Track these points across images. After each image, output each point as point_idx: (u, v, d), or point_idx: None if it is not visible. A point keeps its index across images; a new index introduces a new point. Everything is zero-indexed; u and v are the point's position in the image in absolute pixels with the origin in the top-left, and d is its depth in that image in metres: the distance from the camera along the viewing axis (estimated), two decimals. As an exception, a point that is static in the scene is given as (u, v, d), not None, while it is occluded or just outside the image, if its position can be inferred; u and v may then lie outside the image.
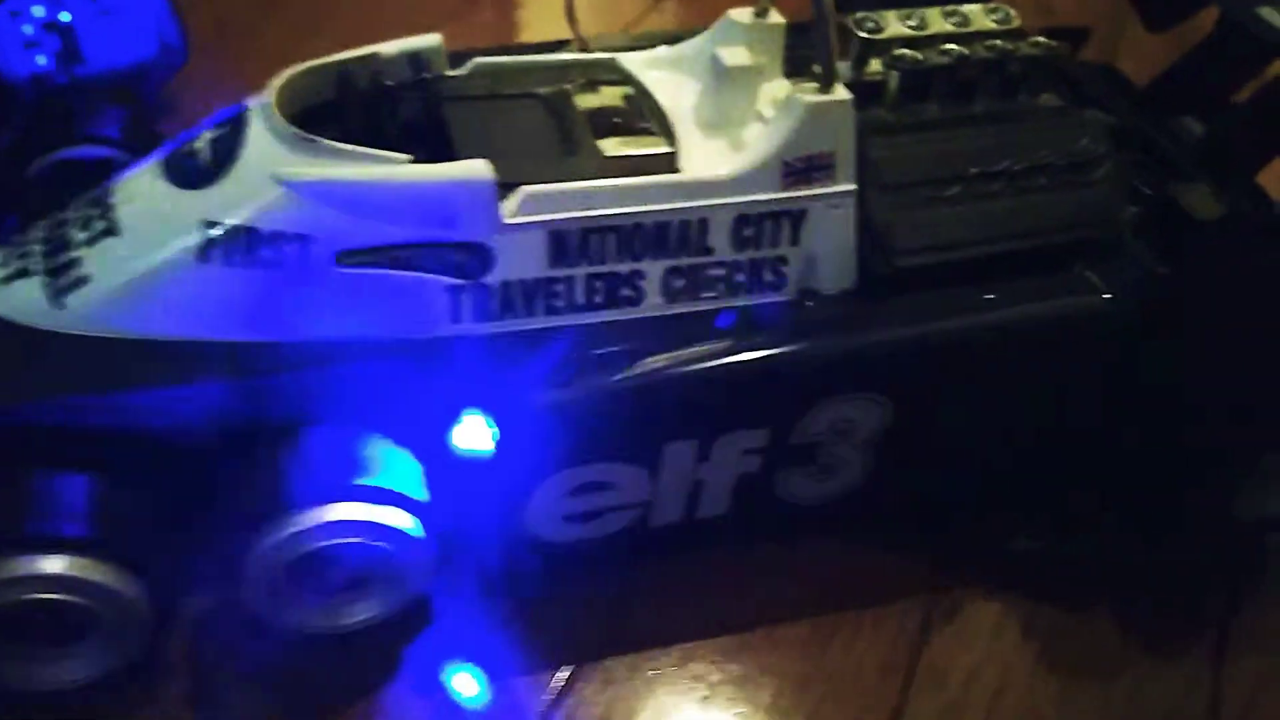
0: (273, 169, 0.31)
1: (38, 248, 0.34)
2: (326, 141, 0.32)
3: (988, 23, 0.40)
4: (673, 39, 0.41)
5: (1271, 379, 0.36)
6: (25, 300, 0.33)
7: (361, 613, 0.35)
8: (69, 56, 0.51)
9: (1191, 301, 0.36)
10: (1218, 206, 0.38)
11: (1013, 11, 0.40)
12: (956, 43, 0.38)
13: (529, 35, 0.61)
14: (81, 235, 0.33)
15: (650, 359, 0.33)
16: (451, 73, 0.38)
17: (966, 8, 0.40)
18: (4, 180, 0.40)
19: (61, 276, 0.33)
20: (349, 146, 0.32)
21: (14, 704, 0.33)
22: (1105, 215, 0.38)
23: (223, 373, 0.32)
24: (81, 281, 0.32)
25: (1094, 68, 0.48)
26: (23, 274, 0.33)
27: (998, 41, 0.38)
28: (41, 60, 0.50)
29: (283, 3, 0.65)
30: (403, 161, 0.32)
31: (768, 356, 0.34)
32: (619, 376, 0.33)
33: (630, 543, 0.36)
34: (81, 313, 0.32)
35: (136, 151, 0.41)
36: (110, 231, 0.33)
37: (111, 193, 0.34)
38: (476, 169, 0.32)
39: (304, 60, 0.35)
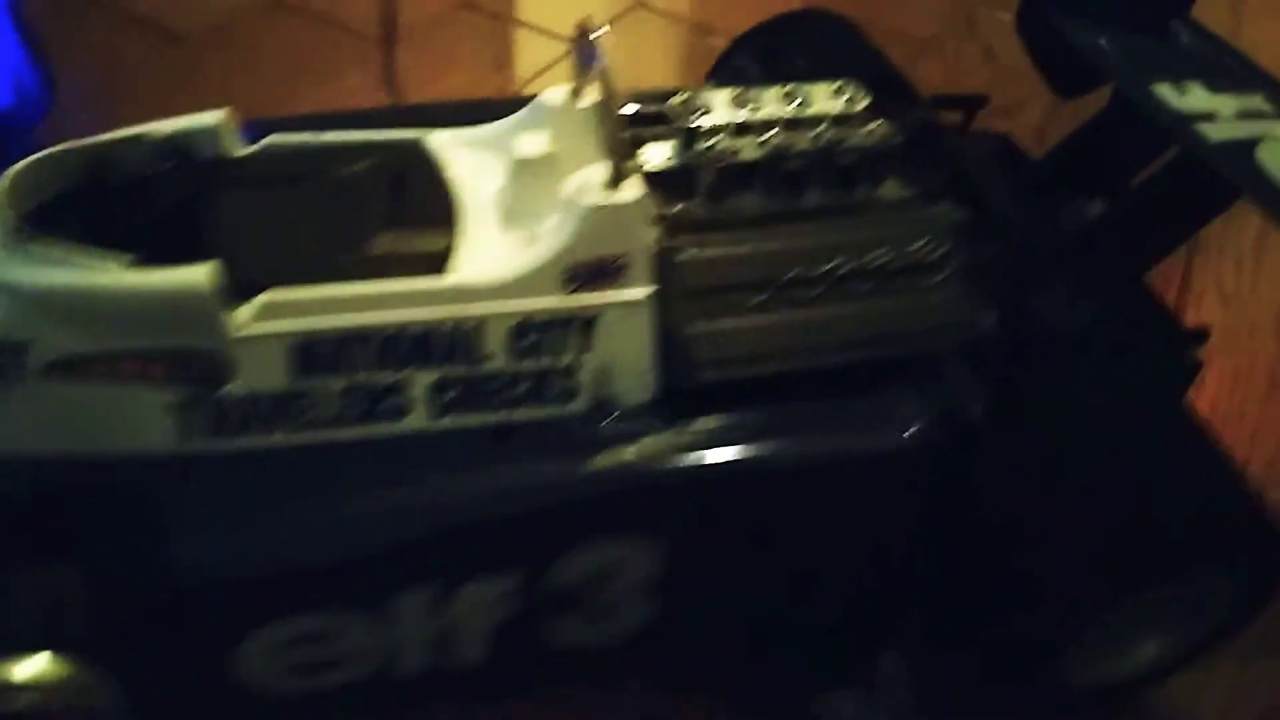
0: (5, 269, 0.29)
1: None
2: (43, 246, 0.29)
3: (829, 105, 0.36)
4: (508, 106, 0.38)
5: (1103, 518, 0.32)
6: None
7: None
8: None
9: (1019, 428, 0.32)
10: (1073, 314, 0.34)
11: (859, 92, 0.36)
12: (788, 129, 0.35)
13: (410, 93, 0.59)
14: None
15: (376, 487, 0.30)
16: (242, 152, 0.35)
17: (810, 87, 0.36)
18: None
19: None
20: (68, 249, 0.29)
21: None
22: (937, 326, 0.34)
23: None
24: None
25: (986, 140, 0.44)
26: None
27: (828, 130, 0.35)
28: None
29: (171, 56, 0.63)
30: (123, 265, 0.29)
31: (511, 488, 0.31)
32: (330, 506, 0.30)
33: (375, 694, 0.33)
34: None
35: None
36: None
37: None
38: (196, 277, 0.29)
39: (176, 109, 0.33)
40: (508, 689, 0.35)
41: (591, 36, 0.32)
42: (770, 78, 0.40)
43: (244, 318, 0.30)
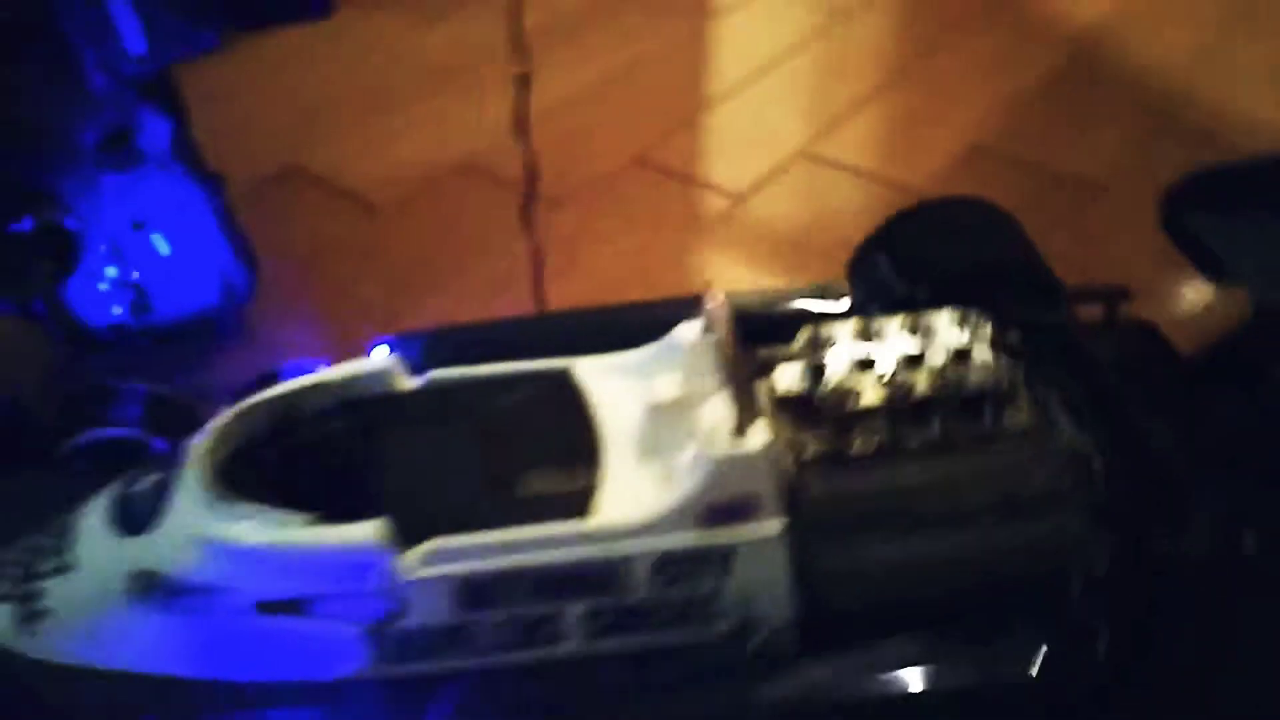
0: (193, 526, 0.34)
1: (12, 572, 0.37)
2: (239, 503, 0.34)
3: (951, 337, 0.37)
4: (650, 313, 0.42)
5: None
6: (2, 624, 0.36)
7: None
8: (140, 308, 0.56)
9: (1152, 664, 0.32)
10: (1204, 545, 0.34)
11: (983, 321, 0.37)
12: (909, 365, 0.37)
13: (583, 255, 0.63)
14: (47, 567, 0.36)
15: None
16: (407, 388, 0.39)
17: (932, 317, 0.38)
18: (39, 455, 0.45)
19: (29, 604, 0.36)
20: (258, 506, 0.34)
21: None
22: (1063, 557, 0.34)
23: (154, 707, 0.34)
24: (44, 614, 0.36)
25: (1133, 335, 0.44)
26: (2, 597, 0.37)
27: (950, 366, 0.36)
28: (117, 310, 0.56)
29: (366, 229, 0.70)
30: (306, 522, 0.33)
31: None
32: None
33: None
34: (45, 641, 0.36)
35: (162, 430, 0.45)
36: (68, 568, 0.36)
37: (73, 526, 0.37)
38: (368, 534, 0.33)
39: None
40: None
41: (709, 307, 0.35)
42: (907, 275, 0.42)
43: (411, 562, 0.33)
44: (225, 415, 0.36)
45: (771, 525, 0.34)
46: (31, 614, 0.36)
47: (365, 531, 0.33)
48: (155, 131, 0.51)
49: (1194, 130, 0.75)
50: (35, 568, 0.37)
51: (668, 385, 0.37)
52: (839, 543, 0.35)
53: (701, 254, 0.68)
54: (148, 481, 0.36)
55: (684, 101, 0.83)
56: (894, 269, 0.44)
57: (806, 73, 0.86)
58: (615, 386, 0.39)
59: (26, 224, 0.49)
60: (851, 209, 0.69)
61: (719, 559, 0.34)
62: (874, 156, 0.76)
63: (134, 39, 0.49)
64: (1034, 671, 0.33)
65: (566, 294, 0.57)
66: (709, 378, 0.37)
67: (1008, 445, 0.36)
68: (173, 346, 0.58)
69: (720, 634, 0.35)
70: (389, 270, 0.66)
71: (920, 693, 0.34)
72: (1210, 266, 0.44)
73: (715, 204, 0.72)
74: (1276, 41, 0.84)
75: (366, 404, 0.38)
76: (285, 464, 0.36)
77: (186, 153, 0.54)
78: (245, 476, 0.35)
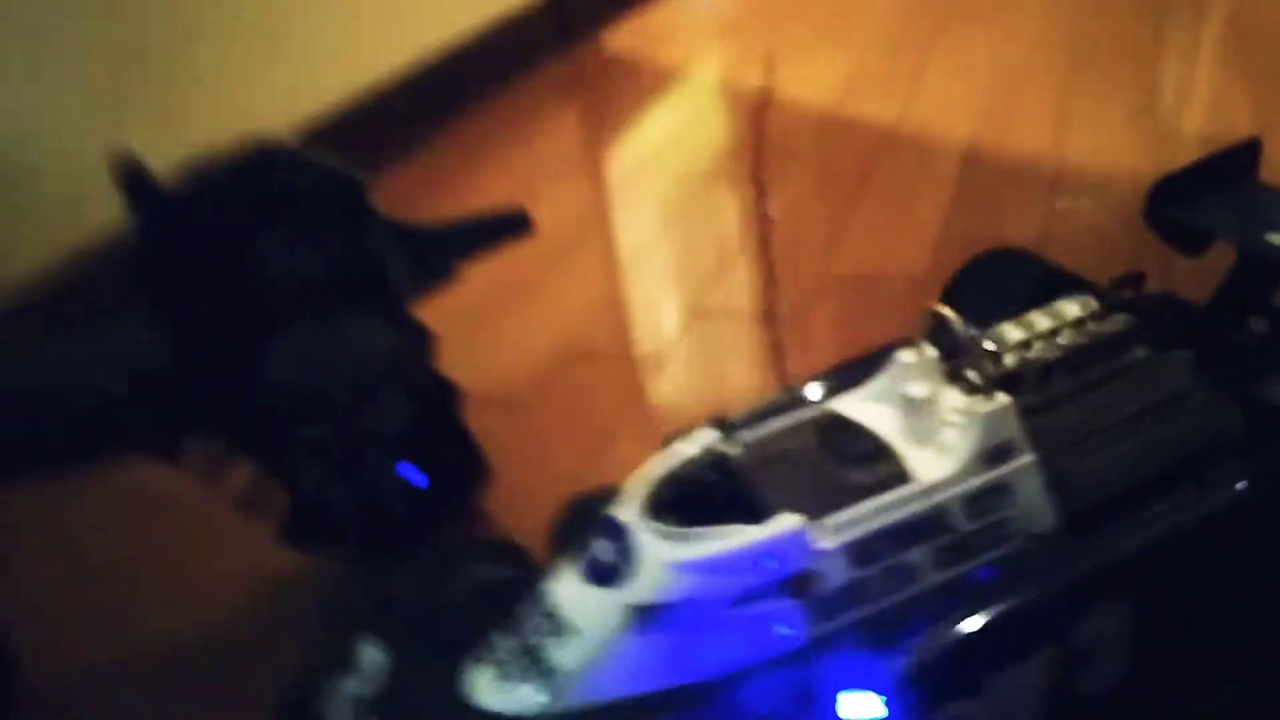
0: (664, 557, 0.47)
1: (519, 658, 0.49)
2: (688, 529, 0.48)
3: (1078, 311, 0.56)
4: (850, 372, 0.58)
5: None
6: (532, 698, 0.48)
7: None
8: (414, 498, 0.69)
9: None
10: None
11: (1091, 300, 0.56)
12: (1056, 336, 0.54)
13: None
14: (550, 640, 0.48)
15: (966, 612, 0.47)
16: (731, 448, 0.54)
17: (1059, 304, 0.56)
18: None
19: (550, 676, 0.48)
20: (702, 529, 0.47)
21: None
22: (1205, 433, 0.52)
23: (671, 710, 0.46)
24: (552, 672, 0.47)
25: (1158, 300, 0.64)
26: (519, 681, 0.48)
27: (1092, 325, 0.54)
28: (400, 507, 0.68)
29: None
30: (742, 530, 0.47)
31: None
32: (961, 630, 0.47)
33: None
34: (572, 694, 0.47)
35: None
36: (561, 630, 0.48)
37: (554, 608, 0.49)
38: (792, 523, 0.47)
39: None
40: None
41: (952, 325, 0.52)
42: (999, 298, 0.61)
43: (820, 537, 0.48)
44: (637, 485, 0.50)
45: (1026, 458, 0.51)
46: (552, 680, 0.48)
47: (789, 521, 0.47)
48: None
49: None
50: (528, 641, 0.49)
51: (917, 388, 0.53)
52: (1066, 460, 0.51)
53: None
54: (600, 548, 0.49)
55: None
56: (987, 291, 0.63)
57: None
58: (870, 408, 0.55)
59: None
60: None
61: (1001, 491, 0.50)
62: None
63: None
64: (1240, 489, 0.49)
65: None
66: (935, 379, 0.53)
67: (1143, 370, 0.54)
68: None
69: (1015, 547, 0.50)
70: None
71: (1170, 535, 0.50)
72: (1190, 245, 0.65)
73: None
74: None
75: (716, 457, 0.52)
76: (692, 501, 0.50)
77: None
78: (671, 516, 0.49)
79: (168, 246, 0.59)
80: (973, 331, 0.54)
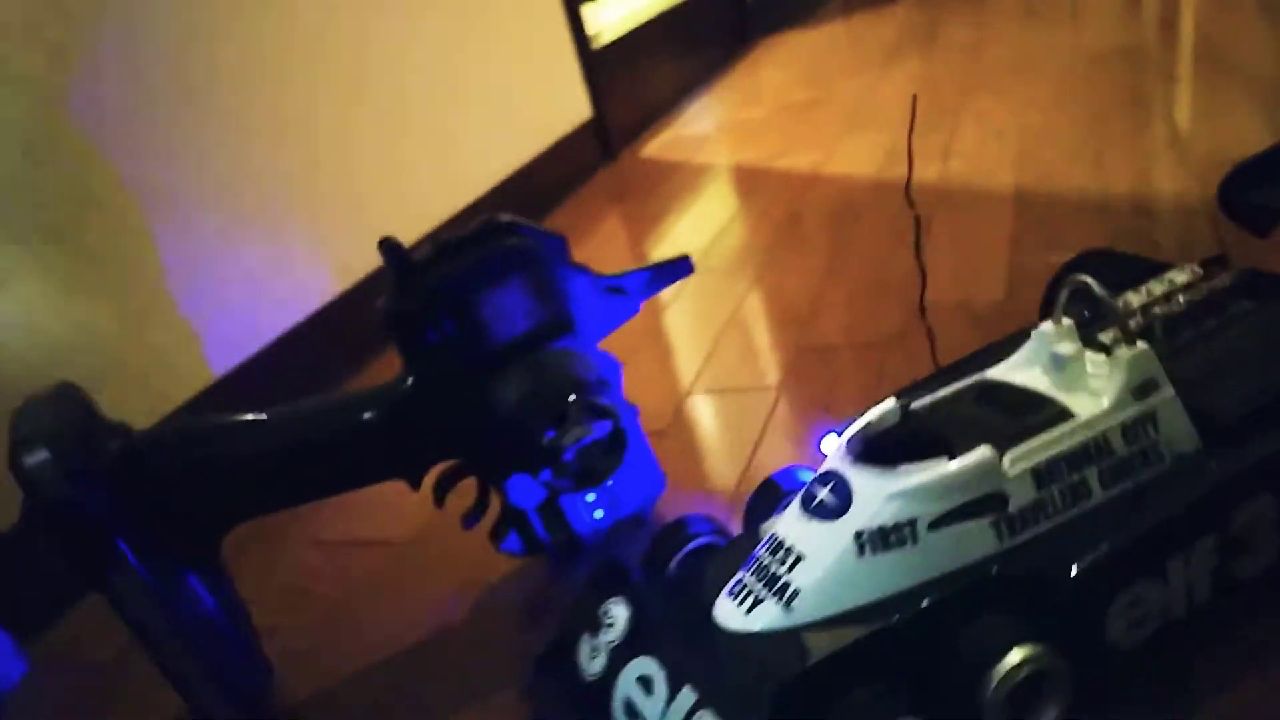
0: (882, 489, 0.56)
1: (757, 583, 0.57)
2: (896, 466, 0.56)
3: (1184, 277, 0.66)
4: (997, 351, 0.67)
5: None
6: (770, 616, 0.56)
7: None
8: (613, 507, 0.78)
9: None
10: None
11: (1197, 268, 0.66)
12: (1174, 296, 0.64)
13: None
14: (783, 567, 0.57)
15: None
16: (916, 408, 0.63)
17: (1169, 273, 0.66)
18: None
19: (783, 595, 0.56)
20: (909, 465, 0.56)
21: None
22: None
23: (887, 616, 0.54)
24: (796, 593, 0.56)
25: (1247, 272, 0.74)
26: (759, 601, 0.57)
27: (1202, 285, 0.64)
28: (599, 514, 0.77)
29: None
30: (941, 462, 0.56)
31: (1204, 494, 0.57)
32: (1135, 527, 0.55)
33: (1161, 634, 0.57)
34: (802, 610, 0.55)
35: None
36: (799, 559, 0.57)
37: (783, 541, 0.58)
38: (984, 454, 0.56)
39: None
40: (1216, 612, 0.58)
41: (1092, 288, 0.61)
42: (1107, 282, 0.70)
43: (1009, 469, 0.56)
44: (841, 440, 0.59)
45: (1168, 391, 0.60)
46: (786, 598, 0.56)
47: (983, 452, 0.56)
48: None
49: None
50: (771, 571, 0.57)
51: (1064, 347, 0.62)
52: (1201, 392, 0.60)
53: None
54: (820, 490, 0.58)
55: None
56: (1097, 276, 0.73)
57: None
58: (1020, 373, 0.64)
59: (603, 429, 0.72)
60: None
61: (1150, 420, 0.59)
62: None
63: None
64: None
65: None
66: (1076, 342, 0.63)
67: (1253, 315, 0.64)
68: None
69: (1165, 467, 0.59)
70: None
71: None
72: (1261, 226, 0.75)
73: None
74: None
75: (902, 415, 0.61)
76: (889, 451, 0.59)
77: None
78: (878, 459, 0.58)
79: (417, 304, 0.70)
80: (1108, 294, 0.64)
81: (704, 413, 1.00)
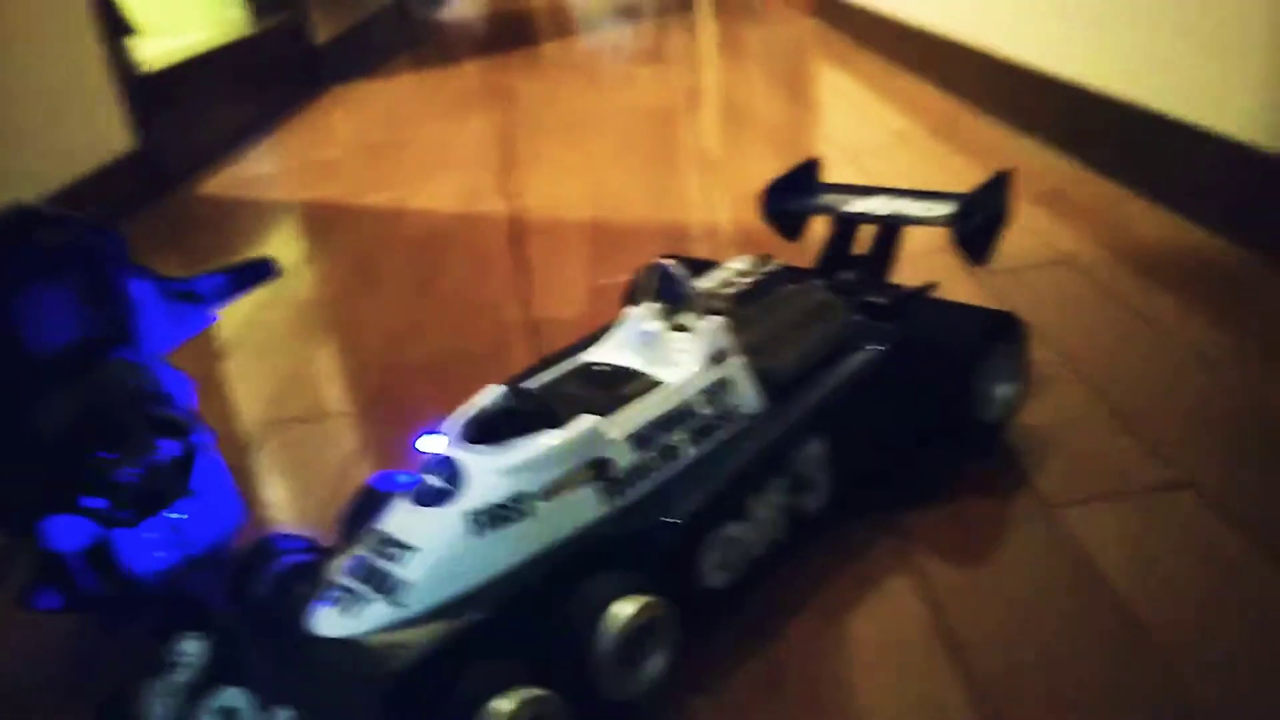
0: (493, 465, 0.57)
1: (361, 585, 0.55)
2: (504, 444, 0.58)
3: (744, 265, 0.75)
4: (593, 339, 0.72)
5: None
6: (377, 614, 0.54)
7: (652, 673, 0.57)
8: (182, 545, 0.70)
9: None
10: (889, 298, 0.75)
11: (748, 258, 0.75)
12: (743, 278, 0.73)
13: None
14: (390, 563, 0.55)
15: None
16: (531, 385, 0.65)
17: (732, 263, 0.75)
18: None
19: (393, 592, 0.54)
20: (520, 439, 0.58)
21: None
22: (844, 326, 0.73)
23: (503, 591, 0.55)
24: (406, 586, 0.54)
25: (784, 267, 0.85)
26: (365, 601, 0.54)
27: (756, 271, 0.74)
28: (160, 555, 0.68)
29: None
30: (549, 434, 0.58)
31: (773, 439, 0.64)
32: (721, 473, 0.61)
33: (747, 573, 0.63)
34: (414, 600, 0.54)
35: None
36: (410, 549, 0.55)
37: (390, 535, 0.56)
38: (589, 421, 0.59)
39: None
40: (788, 550, 0.65)
41: (673, 272, 0.67)
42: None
43: (611, 434, 0.60)
44: (456, 416, 0.59)
45: (738, 360, 0.67)
46: (395, 594, 0.54)
47: (586, 421, 0.59)
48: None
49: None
50: (377, 569, 0.55)
51: (651, 325, 0.68)
52: (765, 358, 0.69)
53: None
54: (430, 480, 0.57)
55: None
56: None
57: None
58: (612, 354, 0.69)
59: (171, 448, 0.64)
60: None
61: (726, 382, 0.66)
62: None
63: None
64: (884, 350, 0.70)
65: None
66: (661, 322, 0.69)
67: (798, 294, 0.74)
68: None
69: (746, 419, 0.66)
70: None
71: (836, 389, 0.68)
72: (792, 232, 0.88)
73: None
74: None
75: (508, 398, 0.63)
76: (497, 430, 0.59)
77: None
78: (487, 439, 0.58)
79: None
80: (685, 275, 0.71)
81: (292, 439, 0.95)
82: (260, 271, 0.75)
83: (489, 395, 0.62)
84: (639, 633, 0.56)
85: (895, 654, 0.59)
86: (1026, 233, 1.14)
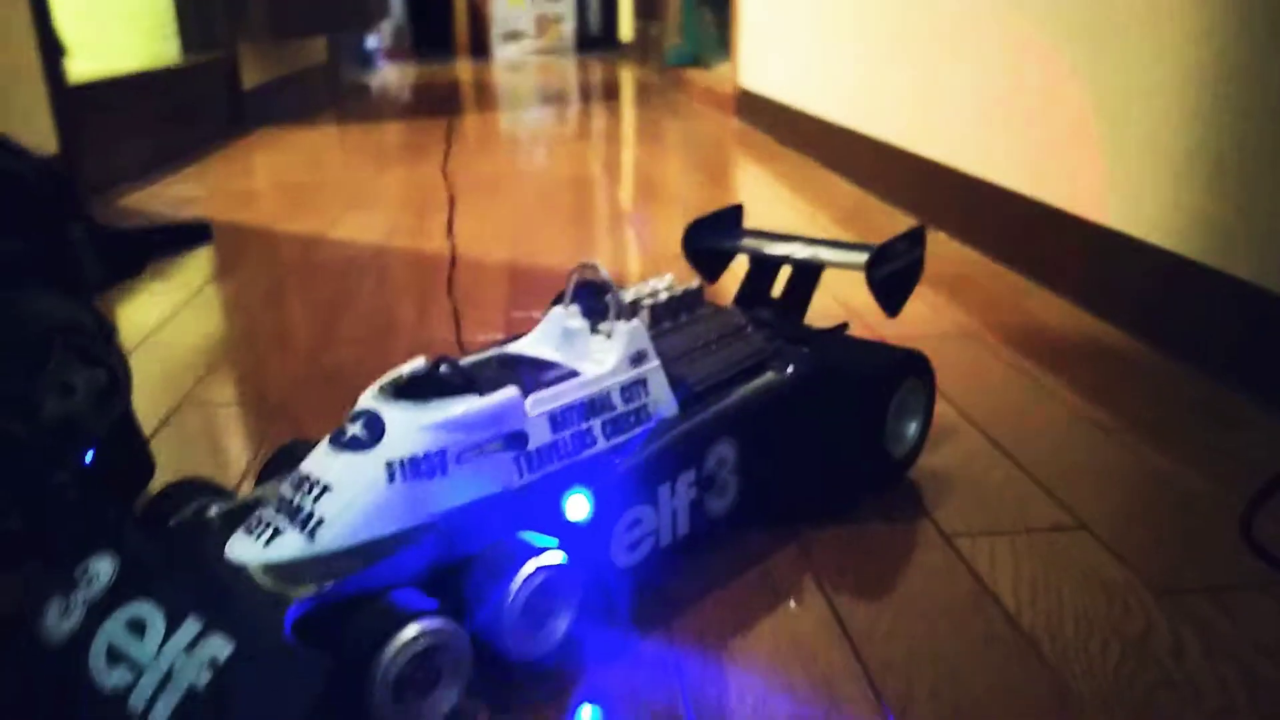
0: (416, 420, 0.56)
1: (277, 516, 0.54)
2: (432, 400, 0.58)
3: (664, 284, 0.77)
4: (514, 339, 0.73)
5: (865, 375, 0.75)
6: (291, 546, 0.53)
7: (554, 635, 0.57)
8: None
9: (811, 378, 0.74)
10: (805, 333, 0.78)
11: (674, 278, 0.77)
12: (656, 294, 0.75)
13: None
14: (307, 498, 0.54)
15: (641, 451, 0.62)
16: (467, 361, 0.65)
17: (654, 281, 0.77)
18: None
19: (306, 525, 0.53)
20: (444, 400, 0.58)
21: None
22: (757, 350, 0.75)
23: (414, 543, 0.55)
24: (320, 522, 0.53)
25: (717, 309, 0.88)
26: (279, 532, 0.53)
27: (675, 290, 0.76)
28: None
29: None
30: (473, 398, 0.59)
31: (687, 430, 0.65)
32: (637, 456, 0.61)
33: (654, 560, 0.63)
34: (328, 539, 0.53)
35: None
36: (326, 488, 0.55)
37: (309, 474, 0.56)
38: (511, 392, 0.60)
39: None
40: (693, 546, 0.66)
41: (600, 272, 0.69)
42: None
43: (530, 406, 0.60)
44: (384, 378, 0.59)
45: (655, 362, 0.69)
46: (309, 528, 0.53)
47: (509, 392, 0.59)
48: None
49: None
50: (293, 502, 0.54)
51: (573, 322, 0.69)
52: (678, 367, 0.70)
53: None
54: (355, 426, 0.57)
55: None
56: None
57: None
58: (535, 347, 0.70)
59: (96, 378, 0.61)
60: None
61: (642, 382, 0.67)
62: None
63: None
64: (790, 374, 0.72)
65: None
66: (581, 318, 0.70)
67: (714, 315, 0.76)
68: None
69: (652, 424, 0.67)
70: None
71: (745, 401, 0.70)
72: (713, 272, 0.90)
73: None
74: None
75: (433, 365, 0.63)
76: (423, 391, 0.59)
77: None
78: (411, 397, 0.58)
79: None
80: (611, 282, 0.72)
81: (200, 419, 0.92)
82: (196, 233, 0.75)
83: (414, 362, 0.62)
84: (542, 591, 0.56)
85: (790, 640, 0.60)
86: (933, 308, 1.20)
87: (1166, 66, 1.06)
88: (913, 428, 0.79)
